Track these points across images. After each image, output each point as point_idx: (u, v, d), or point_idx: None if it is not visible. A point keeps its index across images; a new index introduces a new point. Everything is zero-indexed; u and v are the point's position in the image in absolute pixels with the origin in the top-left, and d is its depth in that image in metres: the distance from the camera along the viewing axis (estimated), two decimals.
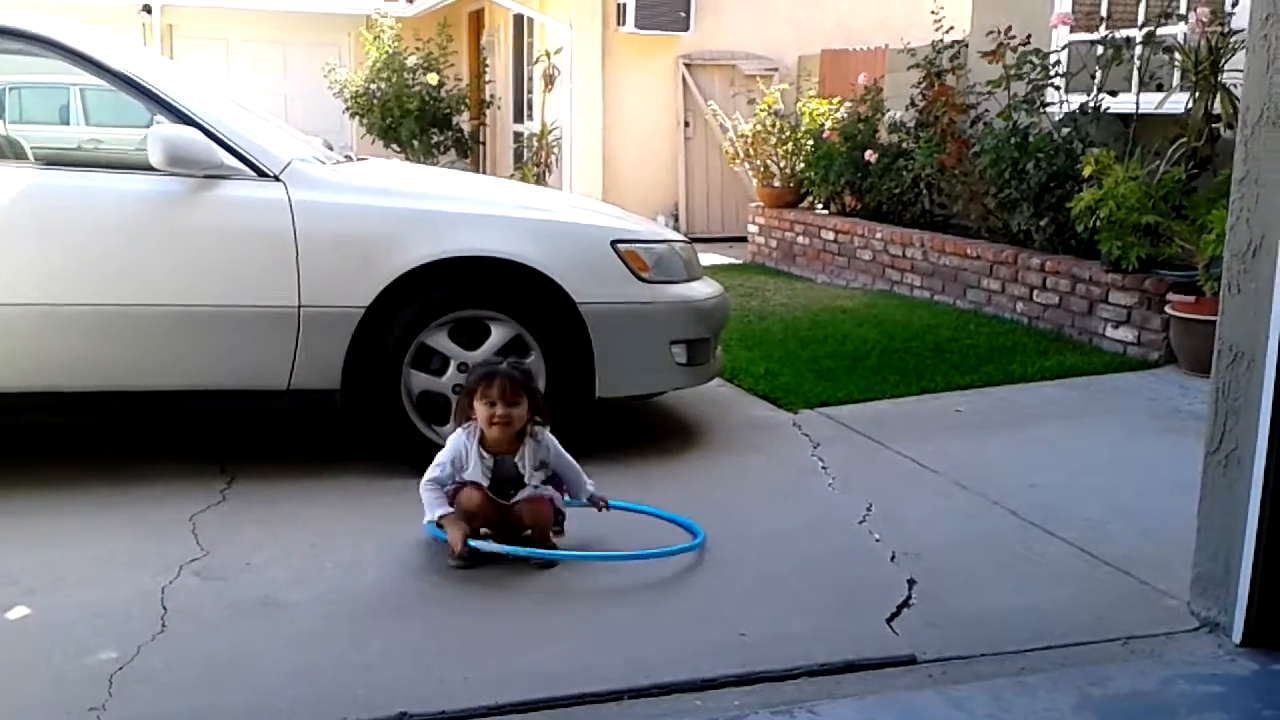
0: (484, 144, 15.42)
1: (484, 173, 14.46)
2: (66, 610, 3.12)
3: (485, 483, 3.49)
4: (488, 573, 3.38)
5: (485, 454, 3.51)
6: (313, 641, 3.01)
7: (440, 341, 4.28)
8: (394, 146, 14.32)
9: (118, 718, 2.60)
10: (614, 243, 4.45)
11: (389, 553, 3.58)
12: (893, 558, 3.57)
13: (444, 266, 4.23)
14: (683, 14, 12.13)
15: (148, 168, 4.07)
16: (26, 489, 4.07)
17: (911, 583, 3.38)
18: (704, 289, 4.74)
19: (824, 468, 4.49)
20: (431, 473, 3.54)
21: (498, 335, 4.29)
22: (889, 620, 3.14)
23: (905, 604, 3.24)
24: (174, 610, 3.14)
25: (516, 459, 3.53)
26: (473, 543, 3.40)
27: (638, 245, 4.50)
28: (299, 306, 4.14)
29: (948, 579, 3.42)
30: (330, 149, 5.07)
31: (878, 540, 3.72)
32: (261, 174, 4.15)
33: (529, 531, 3.51)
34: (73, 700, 2.67)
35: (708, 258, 8.20)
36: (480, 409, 3.48)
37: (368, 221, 4.24)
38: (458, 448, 3.53)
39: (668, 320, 4.53)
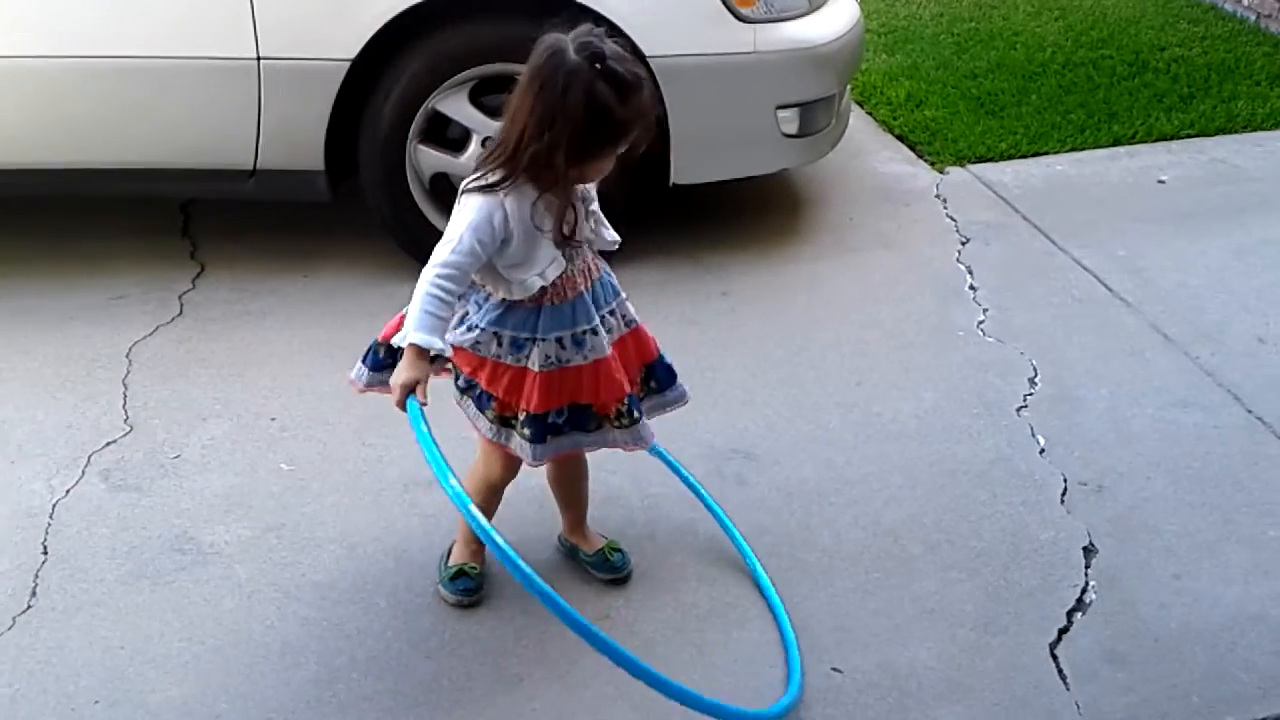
0: None
1: None
2: None
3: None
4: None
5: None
6: (221, 655, 2.16)
7: (459, 107, 3.12)
8: None
9: None
10: None
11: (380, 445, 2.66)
12: (1064, 493, 2.52)
13: (459, 1, 3.00)
14: None
15: None
16: None
17: (1089, 554, 2.35)
18: (831, 23, 3.38)
19: (973, 287, 3.33)
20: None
21: None
22: (1053, 646, 2.14)
23: (1079, 605, 2.23)
24: (55, 558, 2.29)
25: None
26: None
27: None
28: (257, 58, 2.99)
29: (1145, 549, 2.37)
30: None
31: (1042, 451, 2.66)
32: None
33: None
34: None
35: None
36: (602, 163, 1.87)
37: None
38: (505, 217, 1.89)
39: (775, 76, 3.26)
